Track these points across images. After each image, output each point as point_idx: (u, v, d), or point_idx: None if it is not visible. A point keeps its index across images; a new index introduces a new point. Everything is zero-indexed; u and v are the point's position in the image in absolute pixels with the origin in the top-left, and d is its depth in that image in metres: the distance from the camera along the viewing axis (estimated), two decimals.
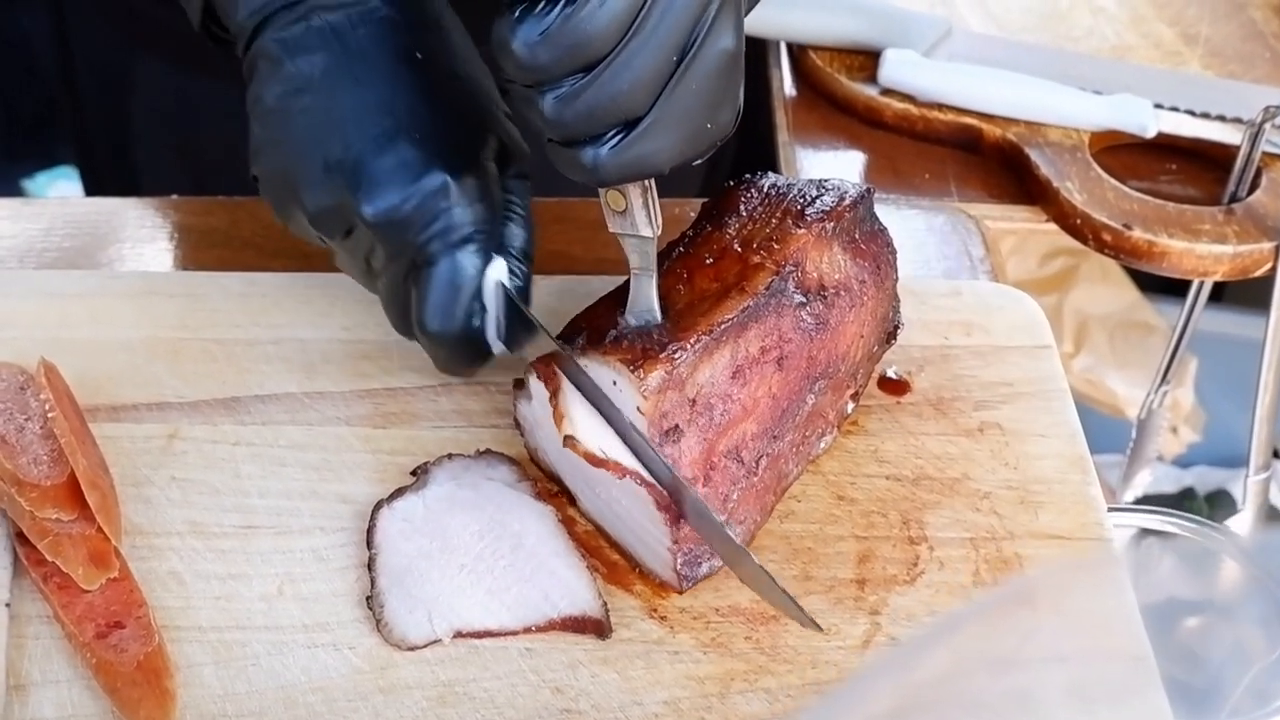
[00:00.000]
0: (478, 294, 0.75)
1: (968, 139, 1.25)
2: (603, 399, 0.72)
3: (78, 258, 0.96)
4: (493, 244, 0.76)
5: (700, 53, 0.65)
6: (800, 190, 0.79)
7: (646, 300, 0.73)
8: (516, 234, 0.78)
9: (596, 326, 0.73)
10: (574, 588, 0.73)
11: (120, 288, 0.90)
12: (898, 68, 1.26)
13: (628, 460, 0.71)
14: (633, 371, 0.70)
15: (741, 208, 0.79)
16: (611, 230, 0.72)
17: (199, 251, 0.96)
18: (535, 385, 0.75)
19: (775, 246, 0.76)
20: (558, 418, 0.72)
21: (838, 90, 1.31)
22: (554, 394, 0.73)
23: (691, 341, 0.71)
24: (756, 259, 0.75)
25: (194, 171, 1.19)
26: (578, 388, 0.73)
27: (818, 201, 0.78)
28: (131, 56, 1.16)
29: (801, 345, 0.75)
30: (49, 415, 0.76)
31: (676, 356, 0.70)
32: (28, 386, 0.79)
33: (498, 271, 0.75)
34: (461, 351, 0.77)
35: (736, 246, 0.76)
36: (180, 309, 0.88)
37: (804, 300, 0.75)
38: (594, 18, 0.62)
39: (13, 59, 2.00)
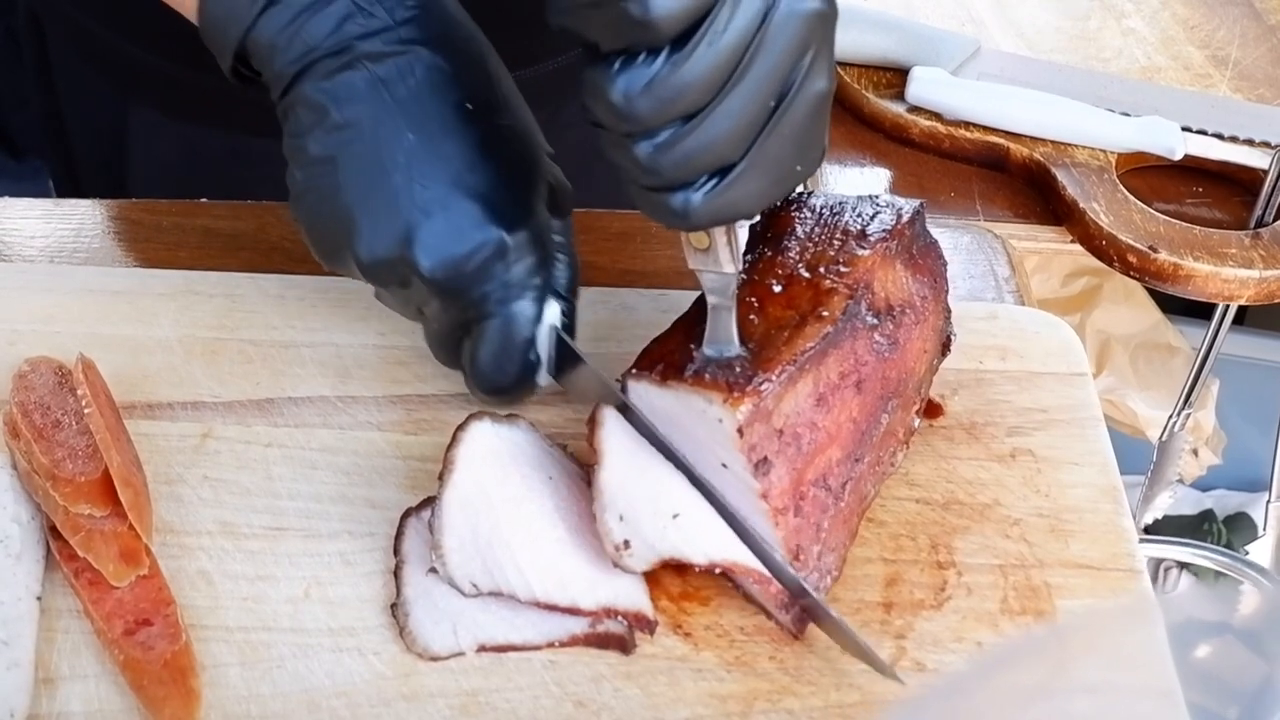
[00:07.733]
0: (532, 343, 0.76)
1: (994, 158, 1.26)
2: (677, 441, 0.71)
3: (106, 259, 0.95)
4: (547, 291, 0.76)
5: (797, 97, 0.64)
6: (855, 209, 0.78)
7: (726, 332, 0.71)
8: (563, 273, 0.78)
9: (672, 359, 0.71)
10: None
11: (160, 286, 0.90)
12: (926, 85, 1.27)
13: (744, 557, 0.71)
14: (724, 404, 0.68)
15: (798, 228, 0.77)
16: (691, 267, 0.71)
17: (227, 255, 0.96)
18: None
19: (844, 270, 0.74)
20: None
21: (865, 107, 1.31)
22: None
23: (776, 372, 0.69)
24: (828, 283, 0.74)
25: None
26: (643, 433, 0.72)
27: (876, 220, 0.77)
28: (126, 108, 1.12)
29: (876, 367, 0.74)
30: (85, 411, 0.76)
31: (763, 389, 0.68)
32: (65, 382, 0.79)
33: (551, 316, 0.76)
34: (512, 395, 0.78)
35: (803, 271, 0.75)
36: (218, 309, 0.88)
37: (876, 322, 0.75)
38: (697, 69, 0.61)
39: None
